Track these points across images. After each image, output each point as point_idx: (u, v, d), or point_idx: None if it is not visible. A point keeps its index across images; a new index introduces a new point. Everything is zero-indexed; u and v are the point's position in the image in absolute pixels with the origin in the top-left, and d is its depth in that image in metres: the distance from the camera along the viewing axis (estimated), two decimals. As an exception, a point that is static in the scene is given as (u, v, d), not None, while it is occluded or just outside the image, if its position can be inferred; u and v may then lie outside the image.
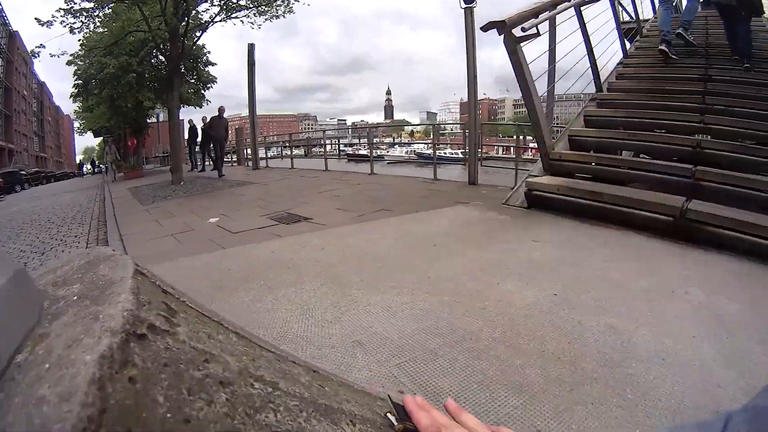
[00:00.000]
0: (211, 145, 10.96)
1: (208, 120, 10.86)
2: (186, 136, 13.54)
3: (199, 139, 12.43)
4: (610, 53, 5.85)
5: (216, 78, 15.76)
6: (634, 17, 6.70)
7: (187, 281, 1.97)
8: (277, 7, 10.28)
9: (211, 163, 11.64)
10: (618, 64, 5.76)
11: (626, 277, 2.08)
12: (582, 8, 4.64)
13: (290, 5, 10.35)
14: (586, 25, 4.76)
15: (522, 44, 3.37)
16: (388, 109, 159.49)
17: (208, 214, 5.10)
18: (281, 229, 3.88)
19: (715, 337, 1.49)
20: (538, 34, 3.34)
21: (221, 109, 10.35)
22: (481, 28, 3.22)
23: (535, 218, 3.24)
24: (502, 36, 3.24)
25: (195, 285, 1.92)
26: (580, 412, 1.11)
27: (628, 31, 6.57)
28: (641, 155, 4.05)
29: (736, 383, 1.24)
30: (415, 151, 21.21)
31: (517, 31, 3.23)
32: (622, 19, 6.05)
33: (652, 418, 1.09)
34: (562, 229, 2.92)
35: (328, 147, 13.42)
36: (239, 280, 1.89)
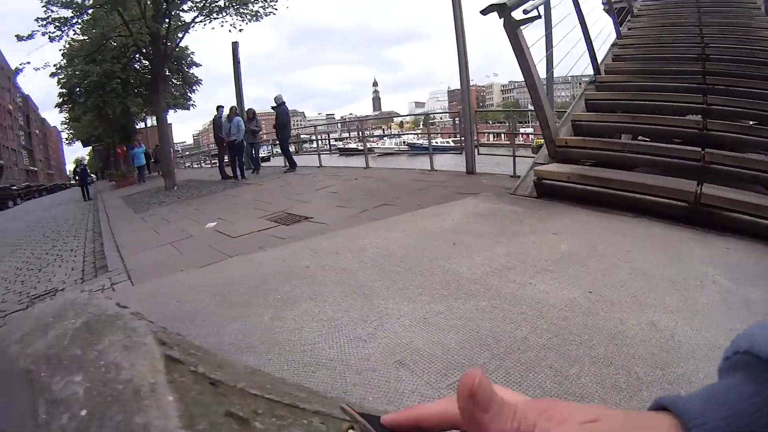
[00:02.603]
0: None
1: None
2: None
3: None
4: (604, 36, 5.77)
5: (201, 79, 15.47)
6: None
7: (192, 296, 1.79)
8: (257, 9, 9.98)
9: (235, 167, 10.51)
10: (612, 45, 5.66)
11: (652, 267, 1.99)
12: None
13: (269, 6, 10.04)
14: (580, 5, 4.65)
15: (522, 27, 3.25)
16: (376, 101, 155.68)
17: (205, 218, 4.94)
18: (282, 231, 3.78)
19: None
20: (539, 16, 3.23)
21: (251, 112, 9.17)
22: (481, 12, 3.08)
23: (547, 208, 3.14)
24: (502, 20, 3.12)
25: (200, 302, 1.73)
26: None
27: (619, 11, 6.45)
28: (639, 137, 3.94)
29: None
30: (405, 142, 20.99)
31: (517, 14, 3.12)
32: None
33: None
34: (577, 220, 2.82)
35: (319, 142, 13.39)
36: (251, 294, 1.71)
